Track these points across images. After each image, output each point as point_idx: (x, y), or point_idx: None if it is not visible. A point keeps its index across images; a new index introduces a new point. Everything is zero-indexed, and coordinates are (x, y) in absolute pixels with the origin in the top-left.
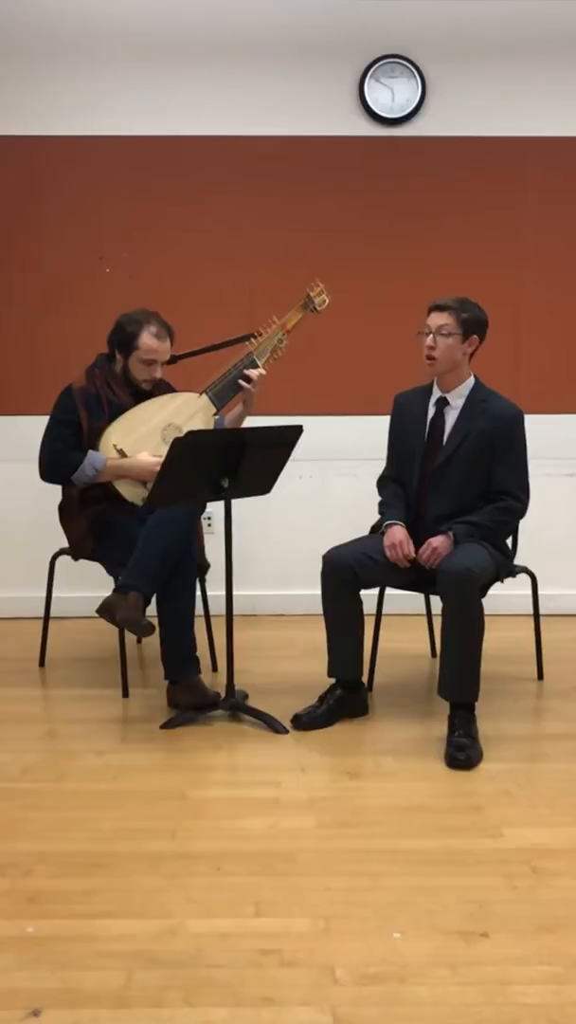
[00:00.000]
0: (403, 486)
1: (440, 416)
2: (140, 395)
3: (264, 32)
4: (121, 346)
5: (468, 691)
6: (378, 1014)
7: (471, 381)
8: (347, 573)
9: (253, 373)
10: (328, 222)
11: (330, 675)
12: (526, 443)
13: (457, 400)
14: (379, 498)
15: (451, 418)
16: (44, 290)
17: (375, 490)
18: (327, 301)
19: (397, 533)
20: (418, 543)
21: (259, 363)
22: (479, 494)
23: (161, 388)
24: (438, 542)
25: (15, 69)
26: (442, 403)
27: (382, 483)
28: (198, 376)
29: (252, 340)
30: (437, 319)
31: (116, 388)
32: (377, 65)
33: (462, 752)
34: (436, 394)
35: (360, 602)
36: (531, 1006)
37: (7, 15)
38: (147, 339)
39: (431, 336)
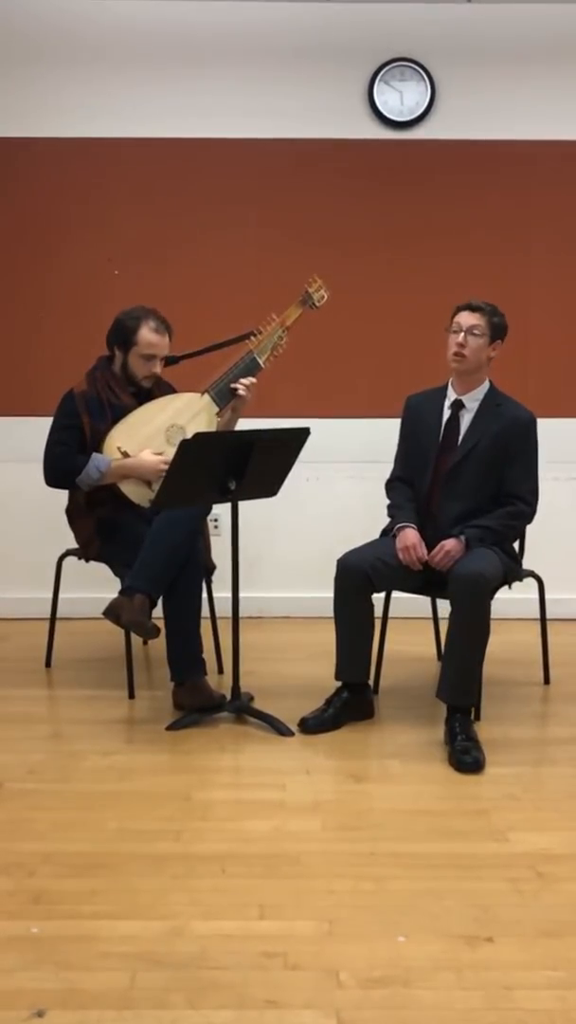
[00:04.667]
0: (412, 488)
1: (455, 418)
2: (142, 397)
3: (274, 35)
4: (120, 342)
5: (468, 695)
6: (382, 1017)
7: (486, 385)
8: (362, 579)
9: (246, 381)
10: (337, 225)
11: (338, 678)
12: (537, 448)
13: (472, 403)
14: (387, 500)
15: (466, 421)
16: (55, 293)
17: (382, 492)
18: (325, 296)
19: (410, 536)
20: (429, 545)
21: (260, 361)
22: (490, 497)
23: (163, 389)
24: (451, 545)
25: (29, 72)
26: (457, 406)
27: (390, 485)
28: (199, 376)
29: (252, 338)
30: (469, 319)
31: (117, 390)
32: (386, 68)
33: (469, 755)
34: (451, 397)
35: (372, 606)
36: (536, 1011)
37: (25, 20)
38: (146, 333)
39: (463, 334)
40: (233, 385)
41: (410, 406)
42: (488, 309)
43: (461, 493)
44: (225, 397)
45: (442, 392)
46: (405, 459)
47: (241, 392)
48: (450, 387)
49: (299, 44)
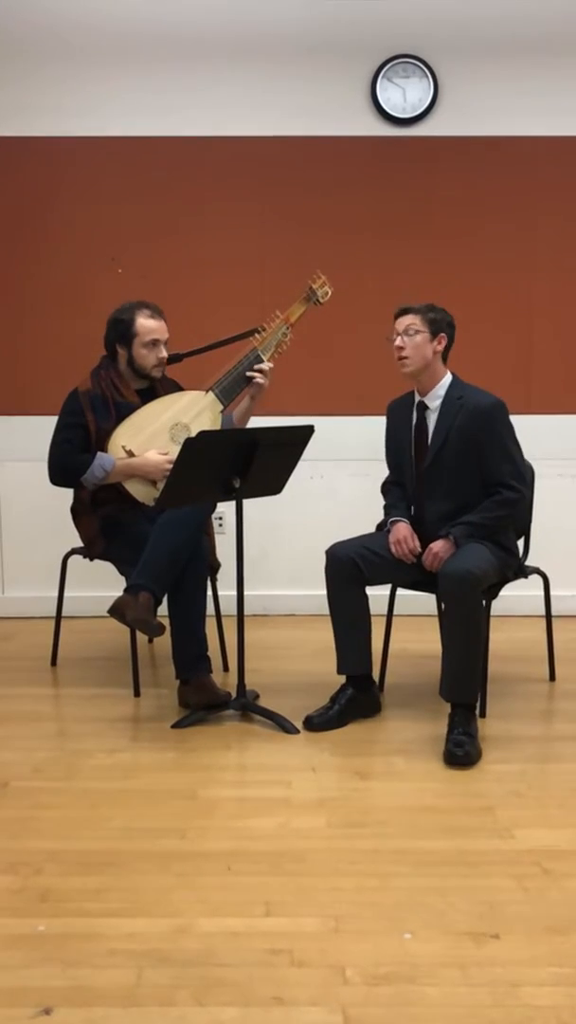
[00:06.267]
0: (404, 489)
1: (422, 420)
2: (147, 395)
3: (276, 32)
4: (120, 338)
5: (467, 692)
6: (388, 1014)
7: (447, 379)
8: (350, 566)
9: (263, 367)
10: (340, 222)
11: (339, 672)
12: (512, 431)
13: (434, 402)
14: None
15: (432, 420)
16: (57, 290)
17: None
18: (329, 293)
19: (402, 529)
20: (421, 544)
21: (264, 358)
22: (475, 490)
23: (167, 386)
24: (439, 546)
25: (25, 69)
26: (422, 407)
27: (385, 488)
28: (203, 374)
29: (256, 335)
30: (404, 321)
31: (122, 389)
32: (389, 65)
33: (460, 748)
34: (417, 399)
35: (365, 597)
36: (541, 1008)
37: (22, 16)
38: (143, 321)
39: (399, 338)
40: (249, 373)
41: (389, 412)
42: (422, 308)
43: (443, 493)
44: (230, 394)
45: (412, 396)
46: (393, 464)
47: (259, 379)
48: (415, 390)
49: (301, 41)
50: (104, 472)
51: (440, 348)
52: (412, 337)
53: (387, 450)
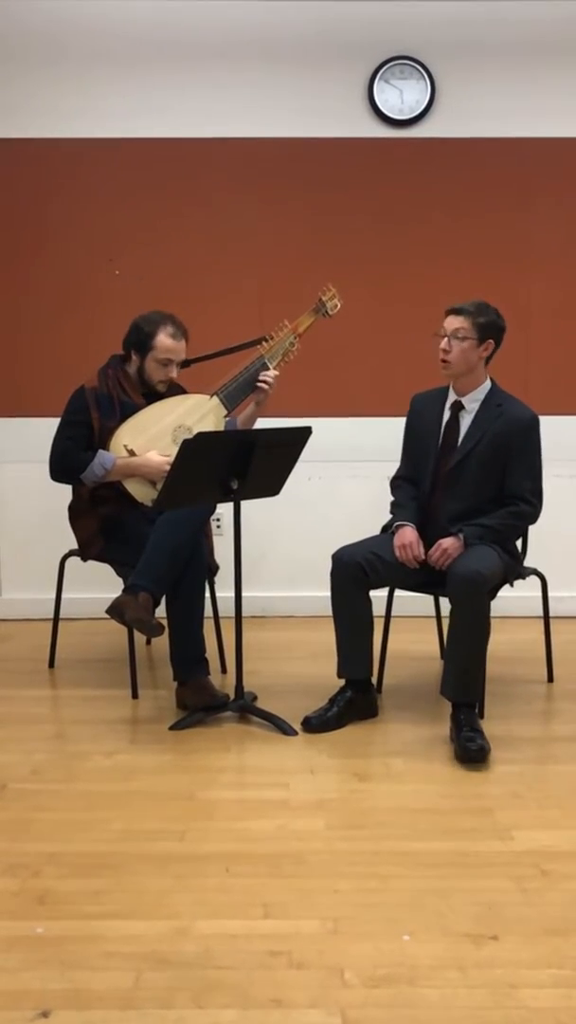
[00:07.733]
0: (416, 487)
1: (455, 420)
2: (152, 396)
3: (273, 34)
4: (138, 346)
5: (471, 692)
6: (387, 1016)
7: (487, 385)
8: (356, 571)
9: (270, 375)
10: (337, 224)
11: (339, 675)
12: (540, 448)
13: (472, 404)
14: (391, 498)
15: (466, 422)
16: (55, 293)
17: (384, 492)
18: (339, 305)
19: (408, 534)
20: (429, 544)
21: (270, 366)
22: (491, 497)
23: (173, 390)
24: (448, 543)
25: (23, 71)
26: (457, 407)
27: (395, 483)
28: (208, 378)
29: (263, 344)
30: (453, 323)
31: (128, 389)
32: (386, 66)
33: (473, 743)
34: (452, 398)
35: (369, 601)
36: (540, 1009)
37: (17, 18)
38: (164, 339)
39: (446, 339)
40: (257, 381)
41: (414, 405)
42: (473, 310)
43: (461, 493)
44: (234, 400)
45: (444, 392)
46: (409, 458)
47: (263, 386)
48: (451, 388)
49: (299, 42)
50: (104, 470)
51: (485, 354)
52: (460, 342)
53: (405, 444)
